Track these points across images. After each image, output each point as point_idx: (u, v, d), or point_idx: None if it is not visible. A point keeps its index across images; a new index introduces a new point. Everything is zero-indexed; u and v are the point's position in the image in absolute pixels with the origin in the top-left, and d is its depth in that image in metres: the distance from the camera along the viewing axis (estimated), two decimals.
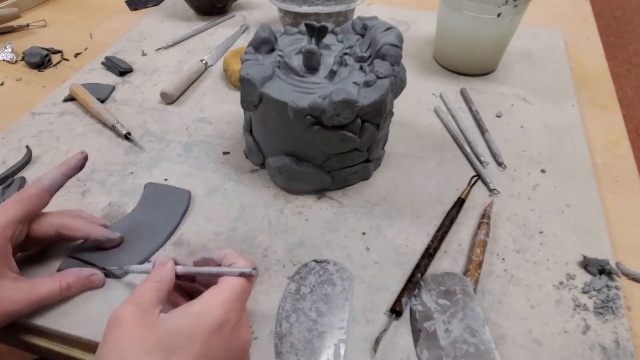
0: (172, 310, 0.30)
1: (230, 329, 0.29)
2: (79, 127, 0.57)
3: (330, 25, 0.49)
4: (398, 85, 0.45)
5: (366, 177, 0.49)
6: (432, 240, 0.43)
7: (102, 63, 0.68)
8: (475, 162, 0.51)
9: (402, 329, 0.37)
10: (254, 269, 0.31)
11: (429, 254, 0.41)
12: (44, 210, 0.39)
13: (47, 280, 0.36)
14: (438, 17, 0.67)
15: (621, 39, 2.29)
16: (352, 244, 0.43)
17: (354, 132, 0.43)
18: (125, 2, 0.89)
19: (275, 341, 0.36)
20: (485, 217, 0.45)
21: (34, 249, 0.41)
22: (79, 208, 0.46)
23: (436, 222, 0.45)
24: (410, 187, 0.49)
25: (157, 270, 0.32)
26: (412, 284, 0.39)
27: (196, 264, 0.34)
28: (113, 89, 0.63)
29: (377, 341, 0.35)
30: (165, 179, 0.49)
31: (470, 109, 0.60)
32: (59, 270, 0.40)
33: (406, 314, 0.38)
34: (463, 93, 0.63)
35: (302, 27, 0.49)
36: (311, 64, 0.44)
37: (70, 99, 0.61)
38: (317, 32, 0.45)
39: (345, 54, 0.46)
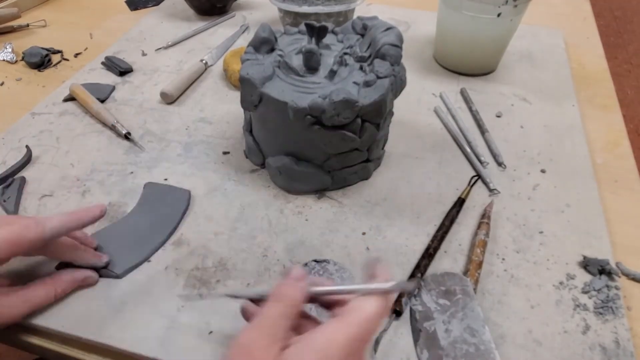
0: (295, 342, 0.25)
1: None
2: (79, 127, 0.57)
3: (330, 25, 0.49)
4: (398, 85, 0.45)
5: (366, 177, 0.49)
6: (432, 240, 0.43)
7: (102, 63, 0.68)
8: (475, 162, 0.51)
9: (402, 329, 0.37)
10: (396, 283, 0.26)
11: (429, 254, 0.41)
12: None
13: (40, 288, 0.36)
14: (438, 17, 0.67)
15: (621, 39, 2.29)
16: (352, 244, 0.43)
17: (354, 132, 0.43)
18: (125, 2, 0.89)
19: None
20: (485, 217, 0.45)
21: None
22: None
23: (436, 222, 0.45)
24: (410, 187, 0.49)
25: (288, 290, 0.27)
26: None
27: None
28: (113, 89, 0.63)
29: (377, 341, 0.35)
30: (165, 179, 0.49)
31: (470, 109, 0.60)
32: (58, 267, 0.39)
33: (406, 314, 0.38)
34: (463, 93, 0.63)
35: (302, 27, 0.49)
36: (311, 64, 0.44)
37: (70, 99, 0.61)
38: (317, 32, 0.45)
39: (345, 53, 0.46)
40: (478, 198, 0.48)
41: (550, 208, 0.47)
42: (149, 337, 0.36)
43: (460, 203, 0.46)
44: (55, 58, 0.72)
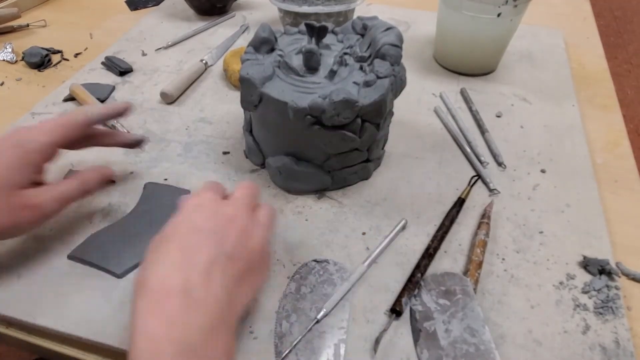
0: None
1: (210, 204, 0.33)
2: None
3: (330, 25, 0.49)
4: (398, 85, 0.45)
5: (366, 177, 0.50)
6: (432, 240, 0.43)
7: (102, 63, 0.68)
8: (475, 162, 0.51)
9: (402, 329, 0.37)
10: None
11: (429, 254, 0.41)
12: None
13: (70, 183, 0.40)
14: (438, 17, 0.67)
15: (621, 39, 2.29)
16: (352, 244, 0.43)
17: (354, 132, 0.43)
18: (125, 2, 0.89)
19: (275, 341, 0.36)
20: (485, 217, 0.45)
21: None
22: (78, 207, 0.46)
23: (436, 222, 0.45)
24: (410, 187, 0.49)
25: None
26: (412, 284, 0.39)
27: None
28: (113, 89, 0.63)
29: (377, 341, 0.35)
30: (165, 179, 0.49)
31: (470, 109, 0.60)
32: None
33: (406, 314, 0.38)
34: (463, 93, 0.63)
35: (302, 27, 0.49)
36: (311, 64, 0.44)
37: (70, 99, 0.61)
38: (317, 32, 0.46)
39: (345, 53, 0.46)
40: (478, 198, 0.48)
41: (550, 208, 0.47)
42: None
43: (460, 203, 0.46)
44: (55, 58, 0.72)
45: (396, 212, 0.46)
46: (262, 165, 0.50)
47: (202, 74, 0.67)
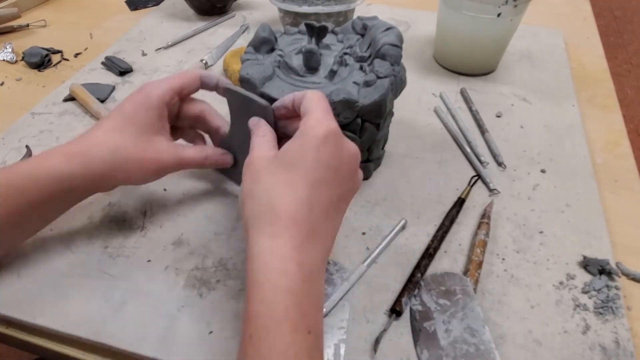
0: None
1: (334, 137, 0.32)
2: (79, 127, 0.57)
3: (330, 25, 0.49)
4: (398, 85, 0.45)
5: (366, 177, 0.49)
6: (432, 240, 0.43)
7: (102, 63, 0.68)
8: (475, 162, 0.51)
9: (402, 329, 0.37)
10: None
11: (429, 254, 0.41)
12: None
13: (191, 147, 0.43)
14: (438, 17, 0.67)
15: (621, 39, 2.29)
16: (351, 244, 0.43)
17: (354, 132, 0.43)
18: (125, 2, 0.89)
19: None
20: (485, 217, 0.45)
21: (179, 135, 0.47)
22: (78, 207, 0.45)
23: (436, 222, 0.45)
24: (410, 187, 0.49)
25: (259, 127, 0.38)
26: (412, 284, 0.39)
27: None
28: (113, 89, 0.63)
29: (377, 341, 0.35)
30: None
31: (470, 109, 0.60)
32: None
33: (406, 314, 0.38)
34: (463, 93, 0.63)
35: (302, 27, 0.49)
36: (311, 64, 0.44)
37: (70, 99, 0.61)
38: (317, 32, 0.45)
39: (345, 53, 0.46)
40: (478, 198, 0.48)
41: (550, 208, 0.47)
42: (149, 337, 0.36)
43: (460, 203, 0.46)
44: (55, 58, 0.72)
45: (396, 212, 0.46)
46: None
47: None
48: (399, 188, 0.49)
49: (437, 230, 0.44)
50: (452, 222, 0.45)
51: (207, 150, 0.44)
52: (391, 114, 0.49)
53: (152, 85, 0.41)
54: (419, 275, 0.40)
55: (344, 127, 0.42)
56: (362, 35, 0.48)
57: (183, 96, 0.43)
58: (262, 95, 0.42)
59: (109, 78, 0.66)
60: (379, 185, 0.49)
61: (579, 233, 0.44)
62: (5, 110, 0.61)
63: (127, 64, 0.67)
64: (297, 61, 0.45)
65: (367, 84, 0.42)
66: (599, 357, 0.35)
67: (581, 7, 0.89)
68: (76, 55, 0.73)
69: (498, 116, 0.59)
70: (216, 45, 0.73)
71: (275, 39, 0.47)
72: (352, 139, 0.43)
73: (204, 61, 0.67)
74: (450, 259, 0.42)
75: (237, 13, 0.84)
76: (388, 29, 0.45)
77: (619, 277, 0.41)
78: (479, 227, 0.44)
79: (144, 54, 0.71)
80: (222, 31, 0.78)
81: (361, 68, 0.44)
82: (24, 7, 0.85)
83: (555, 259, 0.42)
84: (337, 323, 0.37)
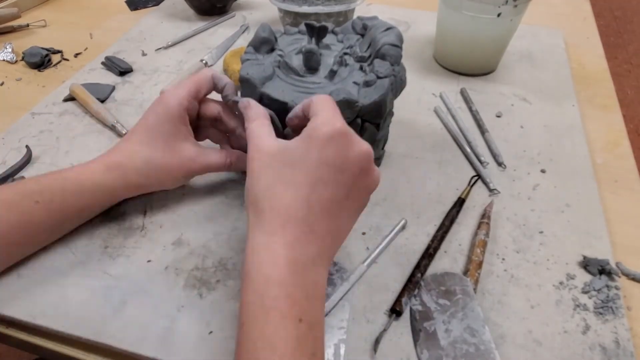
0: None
1: (340, 137, 0.32)
2: (79, 127, 0.57)
3: (330, 25, 0.49)
4: (398, 85, 0.45)
5: None
6: (432, 240, 0.43)
7: (102, 63, 0.68)
8: (475, 162, 0.51)
9: (402, 329, 0.37)
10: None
11: (429, 254, 0.41)
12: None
13: (216, 152, 0.44)
14: (438, 17, 0.67)
15: (621, 39, 2.29)
16: (351, 244, 0.43)
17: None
18: (125, 2, 0.89)
19: None
20: (485, 217, 0.45)
21: (204, 136, 0.47)
22: None
23: (436, 222, 0.45)
24: (410, 187, 0.49)
25: (249, 108, 0.38)
26: (412, 284, 0.39)
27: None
28: (113, 89, 0.63)
29: (377, 341, 0.35)
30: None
31: (470, 109, 0.60)
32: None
33: (406, 314, 0.38)
34: (463, 93, 0.63)
35: (302, 27, 0.49)
36: (311, 64, 0.44)
37: (70, 99, 0.61)
38: (317, 32, 0.45)
39: (345, 53, 0.46)
40: (478, 198, 0.48)
41: (550, 208, 0.47)
42: (149, 337, 0.36)
43: (460, 203, 0.46)
44: (55, 58, 0.72)
45: (396, 212, 0.46)
46: None
47: None
48: (399, 188, 0.49)
49: (437, 230, 0.44)
50: (452, 222, 0.45)
51: (232, 156, 0.45)
52: (391, 114, 0.49)
53: (170, 93, 0.42)
54: (419, 275, 0.40)
55: None
56: (362, 35, 0.48)
57: (199, 98, 0.44)
58: (263, 95, 0.42)
59: (109, 78, 0.66)
60: (379, 185, 0.49)
61: (579, 233, 0.44)
62: (5, 110, 0.61)
63: (127, 64, 0.67)
64: (297, 61, 0.45)
65: (367, 84, 0.42)
66: (599, 357, 0.35)
67: (581, 7, 0.89)
68: (76, 55, 0.73)
69: (498, 116, 0.59)
70: (216, 45, 0.73)
71: (275, 39, 0.47)
72: None
73: (204, 61, 0.67)
74: (450, 259, 0.42)
75: (237, 13, 0.84)
76: (388, 29, 0.45)
77: (619, 277, 0.41)
78: (479, 227, 0.44)
79: (144, 54, 0.71)
80: (222, 31, 0.78)
81: (361, 68, 0.44)
82: (24, 7, 0.85)
83: (555, 259, 0.42)
84: (337, 323, 0.37)
